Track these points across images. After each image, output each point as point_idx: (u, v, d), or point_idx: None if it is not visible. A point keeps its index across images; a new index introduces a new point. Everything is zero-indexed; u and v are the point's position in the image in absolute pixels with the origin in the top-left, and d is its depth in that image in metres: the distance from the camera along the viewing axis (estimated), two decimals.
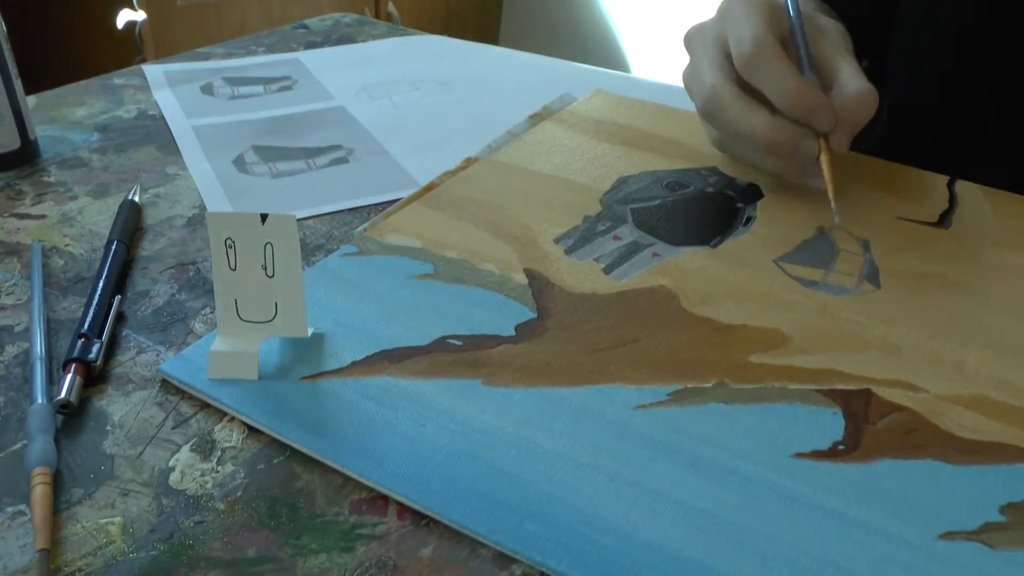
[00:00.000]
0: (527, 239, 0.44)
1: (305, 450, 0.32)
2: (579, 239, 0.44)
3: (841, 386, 0.36)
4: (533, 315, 0.39)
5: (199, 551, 0.28)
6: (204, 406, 0.34)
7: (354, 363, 0.35)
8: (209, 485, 0.31)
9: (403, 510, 0.30)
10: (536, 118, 0.56)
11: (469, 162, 0.51)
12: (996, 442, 0.33)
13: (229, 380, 0.34)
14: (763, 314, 0.39)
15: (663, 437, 0.33)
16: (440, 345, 0.37)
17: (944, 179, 0.51)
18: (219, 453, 0.32)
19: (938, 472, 0.32)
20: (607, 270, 0.42)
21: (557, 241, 0.44)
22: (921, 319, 0.40)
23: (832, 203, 0.43)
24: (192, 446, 0.32)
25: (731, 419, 0.34)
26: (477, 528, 0.29)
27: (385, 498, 0.30)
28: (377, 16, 1.86)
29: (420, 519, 0.30)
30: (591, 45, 2.06)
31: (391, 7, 1.88)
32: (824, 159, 0.44)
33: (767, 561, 0.28)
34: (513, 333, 0.38)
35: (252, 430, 0.33)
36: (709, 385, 0.35)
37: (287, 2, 1.65)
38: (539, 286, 0.41)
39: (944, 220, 0.47)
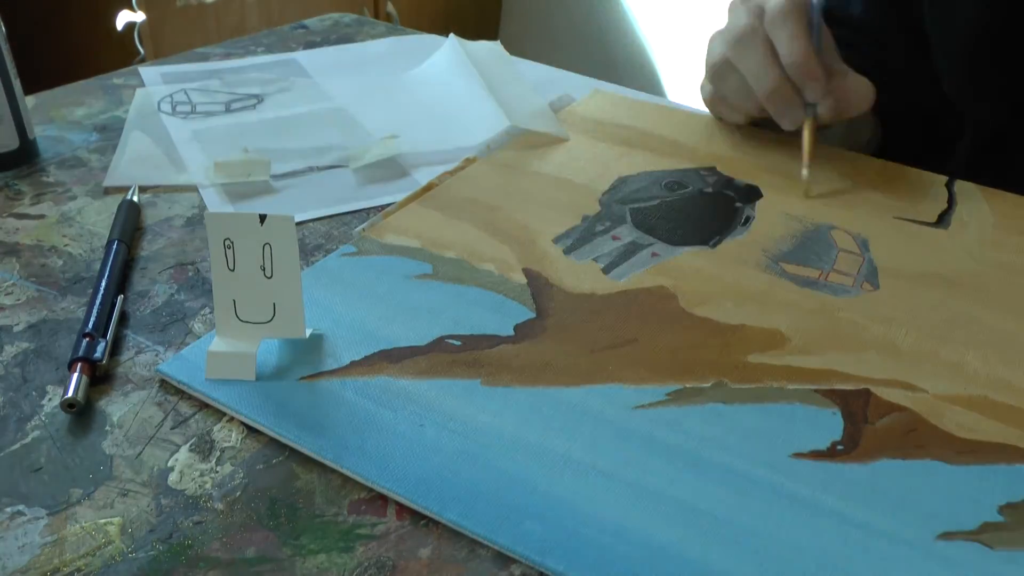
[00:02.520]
0: (526, 239, 0.44)
1: (304, 450, 0.32)
2: (578, 239, 0.44)
3: (840, 386, 0.36)
4: (532, 315, 0.39)
5: (198, 551, 0.28)
6: (203, 406, 0.34)
7: (353, 363, 0.36)
8: (208, 485, 0.31)
9: (402, 510, 0.30)
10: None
11: (468, 162, 0.51)
12: (995, 442, 0.33)
13: (228, 380, 0.34)
14: (762, 314, 0.40)
15: (662, 437, 0.33)
16: (439, 345, 0.37)
17: (943, 179, 0.51)
18: (218, 453, 0.32)
19: (937, 472, 0.32)
20: (606, 270, 0.42)
21: (556, 241, 0.44)
22: (920, 319, 0.40)
23: (804, 167, 0.49)
24: (191, 446, 0.32)
25: (730, 419, 0.34)
26: (476, 528, 0.29)
27: (384, 498, 0.30)
28: (376, 16, 1.86)
29: (419, 519, 0.30)
30: (590, 46, 2.06)
31: (390, 7, 1.88)
32: (807, 127, 0.50)
33: (766, 561, 0.28)
34: (512, 333, 0.38)
35: (251, 430, 0.33)
36: (708, 385, 0.35)
37: (286, 2, 1.65)
38: (538, 286, 0.41)
39: (943, 220, 0.47)
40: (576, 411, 0.34)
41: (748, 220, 0.46)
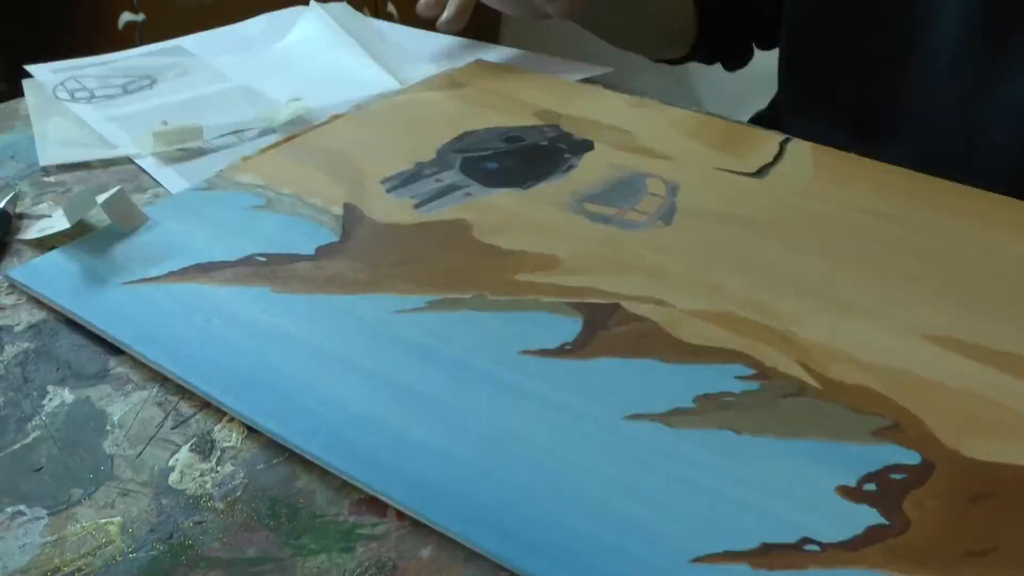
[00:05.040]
0: (357, 179, 0.48)
1: (110, 338, 0.36)
2: (403, 180, 0.47)
3: (593, 300, 0.38)
4: (336, 239, 0.42)
5: (198, 551, 0.28)
6: (204, 406, 0.34)
7: (171, 272, 0.40)
8: (209, 485, 0.31)
9: (402, 512, 0.30)
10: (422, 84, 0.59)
11: (335, 117, 0.54)
12: (718, 347, 0.36)
13: (63, 288, 0.39)
14: (546, 243, 0.42)
15: (409, 335, 0.36)
16: (247, 261, 0.41)
17: (780, 137, 0.52)
18: (219, 453, 0.32)
19: (652, 369, 0.35)
20: (417, 206, 0.45)
21: (383, 182, 0.47)
22: (698, 251, 0.42)
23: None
24: (192, 446, 0.32)
25: (477, 323, 0.37)
26: (243, 409, 0.33)
27: (384, 500, 0.30)
28: (376, 15, 1.86)
29: (418, 522, 0.30)
30: (591, 45, 2.06)
31: (391, 7, 1.88)
32: None
33: (468, 434, 0.32)
34: (312, 253, 0.42)
35: (251, 430, 0.33)
36: (468, 296, 0.39)
37: (285, 2, 1.65)
38: (351, 216, 0.44)
39: (762, 172, 0.49)
40: (344, 314, 0.38)
41: (570, 168, 0.49)
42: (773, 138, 0.52)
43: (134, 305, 0.38)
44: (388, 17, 1.87)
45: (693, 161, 0.50)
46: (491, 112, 0.55)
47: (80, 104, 0.57)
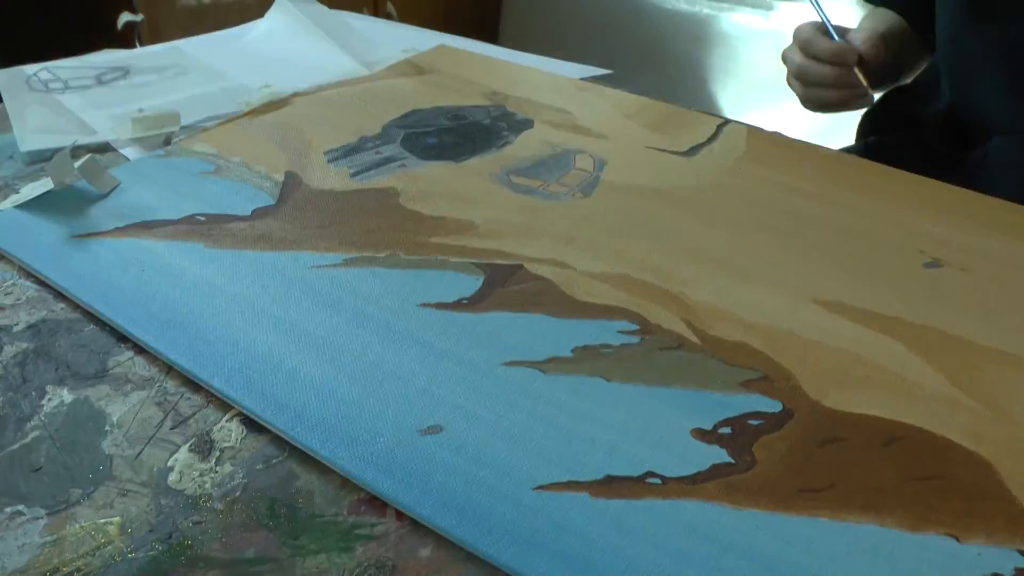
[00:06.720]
0: (303, 151, 0.50)
1: (57, 286, 0.39)
2: (345, 152, 0.49)
3: (498, 261, 0.40)
4: (273, 203, 0.45)
5: (197, 551, 0.28)
6: (203, 406, 0.34)
7: (116, 228, 0.43)
8: (208, 485, 0.31)
9: (401, 512, 0.30)
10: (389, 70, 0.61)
11: (296, 96, 0.56)
12: (606, 304, 0.37)
13: (17, 240, 0.42)
14: (466, 210, 0.44)
15: (324, 289, 0.39)
16: (188, 220, 0.43)
17: (718, 121, 0.53)
18: (218, 453, 0.32)
19: (540, 322, 0.37)
20: (354, 175, 0.47)
21: (326, 153, 0.49)
22: (610, 220, 0.43)
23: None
24: (191, 446, 0.32)
25: (386, 279, 0.39)
26: (167, 351, 0.35)
27: (383, 500, 0.30)
28: (376, 15, 1.86)
29: (418, 522, 0.30)
30: (591, 45, 2.06)
31: (389, 6, 1.88)
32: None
33: (356, 371, 0.34)
34: (249, 214, 0.44)
35: (251, 430, 0.33)
36: (382, 255, 0.41)
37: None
38: (289, 182, 0.47)
39: (693, 151, 0.50)
40: (266, 268, 0.40)
41: (505, 144, 0.50)
42: (711, 121, 0.54)
43: (78, 255, 0.41)
44: (387, 17, 1.87)
45: (626, 140, 0.51)
46: (443, 93, 0.57)
47: (55, 94, 0.58)
